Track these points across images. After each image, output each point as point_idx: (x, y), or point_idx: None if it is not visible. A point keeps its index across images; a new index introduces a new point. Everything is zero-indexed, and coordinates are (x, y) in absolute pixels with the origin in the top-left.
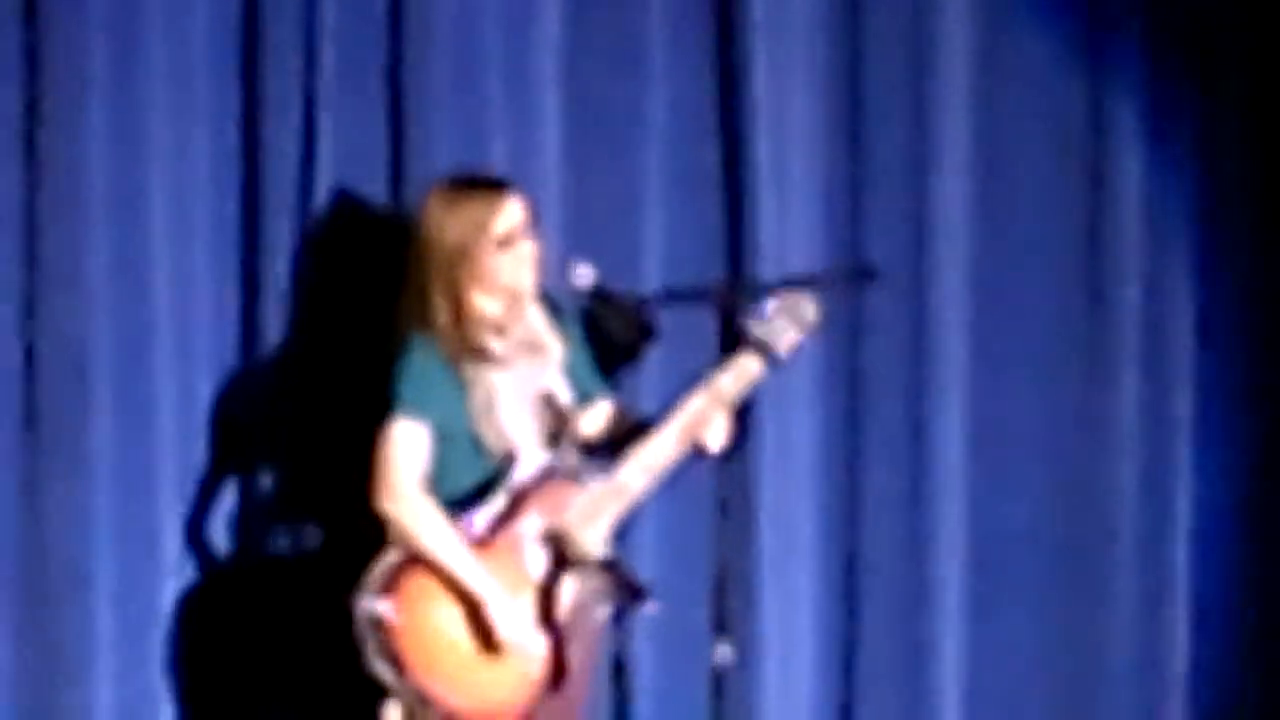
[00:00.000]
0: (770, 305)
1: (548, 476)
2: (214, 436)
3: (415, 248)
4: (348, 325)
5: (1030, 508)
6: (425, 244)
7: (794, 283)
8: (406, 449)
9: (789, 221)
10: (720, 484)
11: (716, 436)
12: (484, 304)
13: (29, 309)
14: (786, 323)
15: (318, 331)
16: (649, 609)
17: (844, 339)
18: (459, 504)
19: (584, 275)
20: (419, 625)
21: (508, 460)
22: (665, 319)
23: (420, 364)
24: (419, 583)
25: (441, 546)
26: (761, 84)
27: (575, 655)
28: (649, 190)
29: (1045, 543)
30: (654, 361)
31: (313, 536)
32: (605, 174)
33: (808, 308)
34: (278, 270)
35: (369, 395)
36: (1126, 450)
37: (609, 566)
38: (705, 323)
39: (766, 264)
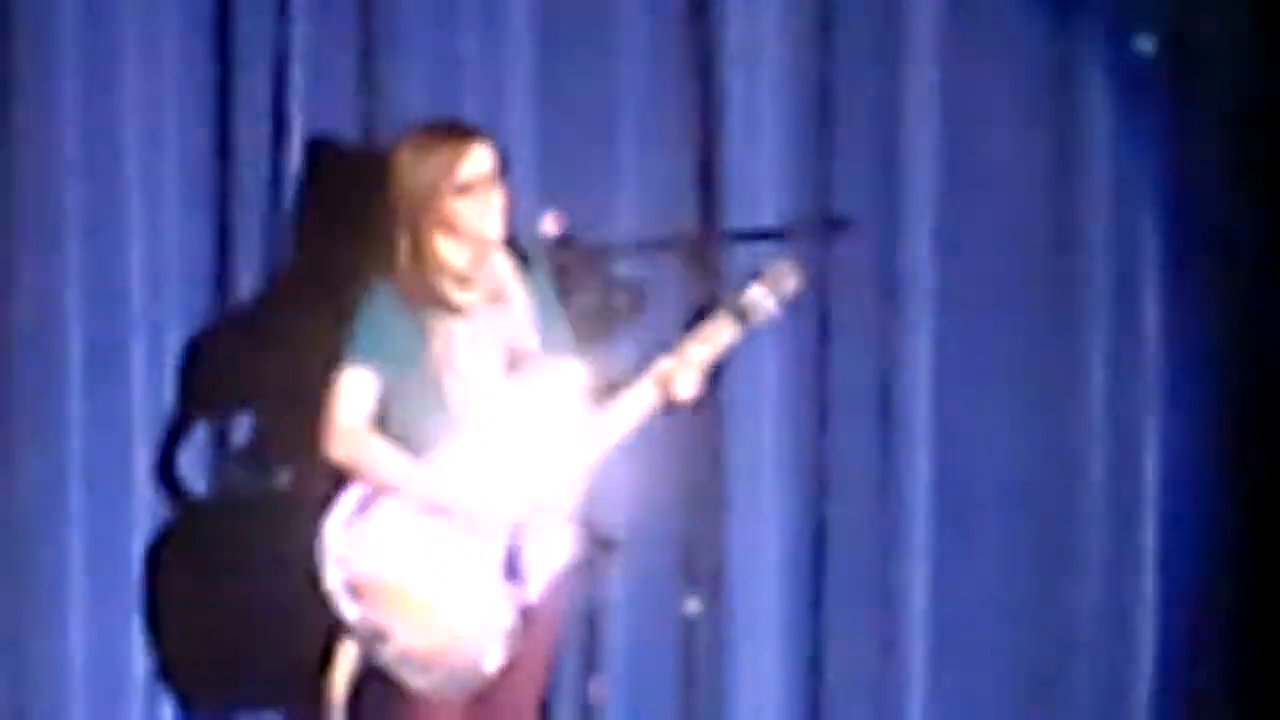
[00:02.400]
0: (756, 274)
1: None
2: (185, 382)
3: (382, 193)
4: (319, 272)
5: (1001, 459)
6: (391, 188)
7: (764, 234)
8: (351, 395)
9: (760, 171)
10: (689, 442)
11: (686, 388)
12: (446, 250)
13: (2, 259)
14: (766, 291)
15: (289, 279)
16: (616, 562)
17: (812, 288)
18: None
19: (550, 225)
20: (377, 562)
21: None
22: (636, 271)
23: (378, 310)
24: (378, 518)
25: (398, 471)
26: (734, 33)
27: (541, 606)
28: (621, 140)
29: (1014, 495)
30: (628, 323)
31: (283, 480)
32: (578, 125)
33: (789, 278)
34: (249, 219)
35: (339, 340)
36: (1096, 408)
37: (578, 521)
38: (676, 280)
39: (738, 215)
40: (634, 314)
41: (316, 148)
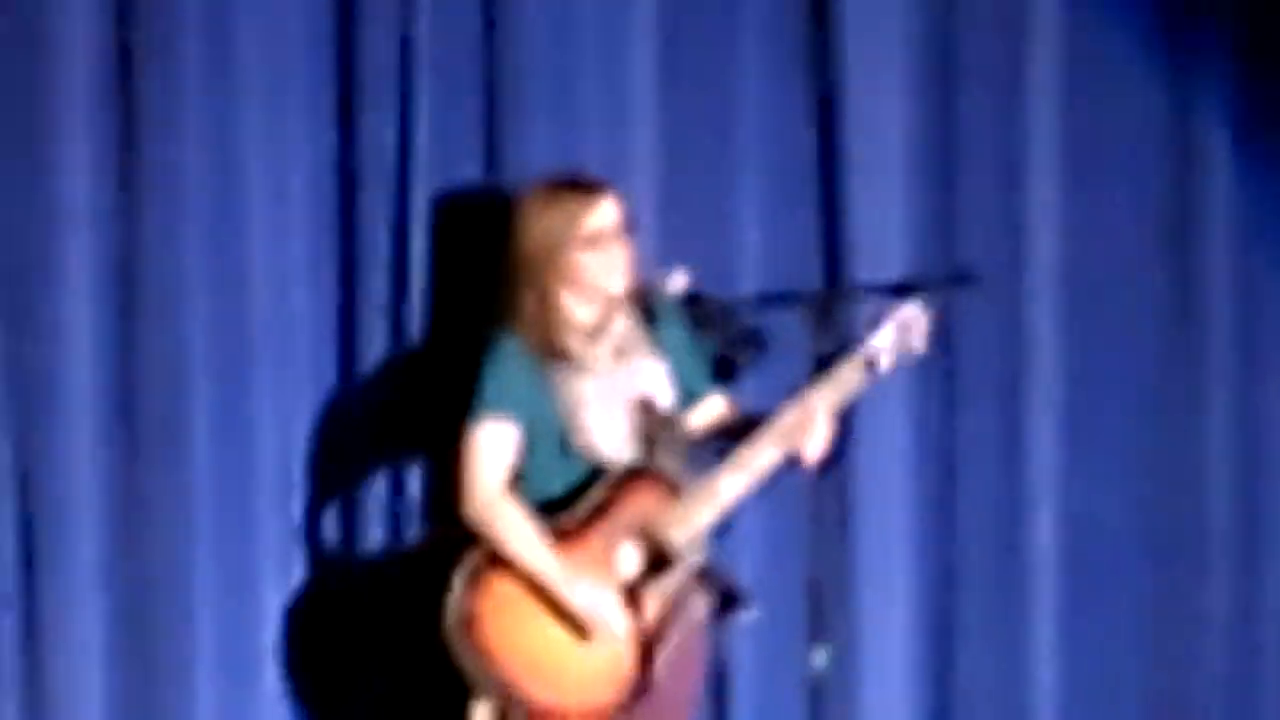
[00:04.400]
0: (883, 319)
1: (642, 479)
2: (315, 447)
3: (508, 246)
4: (447, 333)
5: (1126, 513)
6: (516, 241)
7: (890, 289)
8: (490, 451)
9: (884, 224)
10: (816, 491)
11: (815, 444)
12: (572, 305)
13: (128, 324)
14: (895, 337)
15: (420, 339)
16: (747, 615)
17: (938, 343)
18: (548, 508)
19: (678, 281)
20: (507, 621)
21: (600, 467)
22: (762, 326)
23: (506, 362)
24: (508, 579)
25: (528, 551)
26: (855, 87)
27: (669, 659)
28: (744, 195)
29: (1140, 548)
30: (750, 370)
31: (416, 538)
32: (700, 178)
33: (915, 326)
34: (375, 278)
35: (470, 397)
36: (1220, 454)
37: (704, 572)
38: (798, 333)
39: (862, 268)
40: (757, 361)
41: (441, 204)
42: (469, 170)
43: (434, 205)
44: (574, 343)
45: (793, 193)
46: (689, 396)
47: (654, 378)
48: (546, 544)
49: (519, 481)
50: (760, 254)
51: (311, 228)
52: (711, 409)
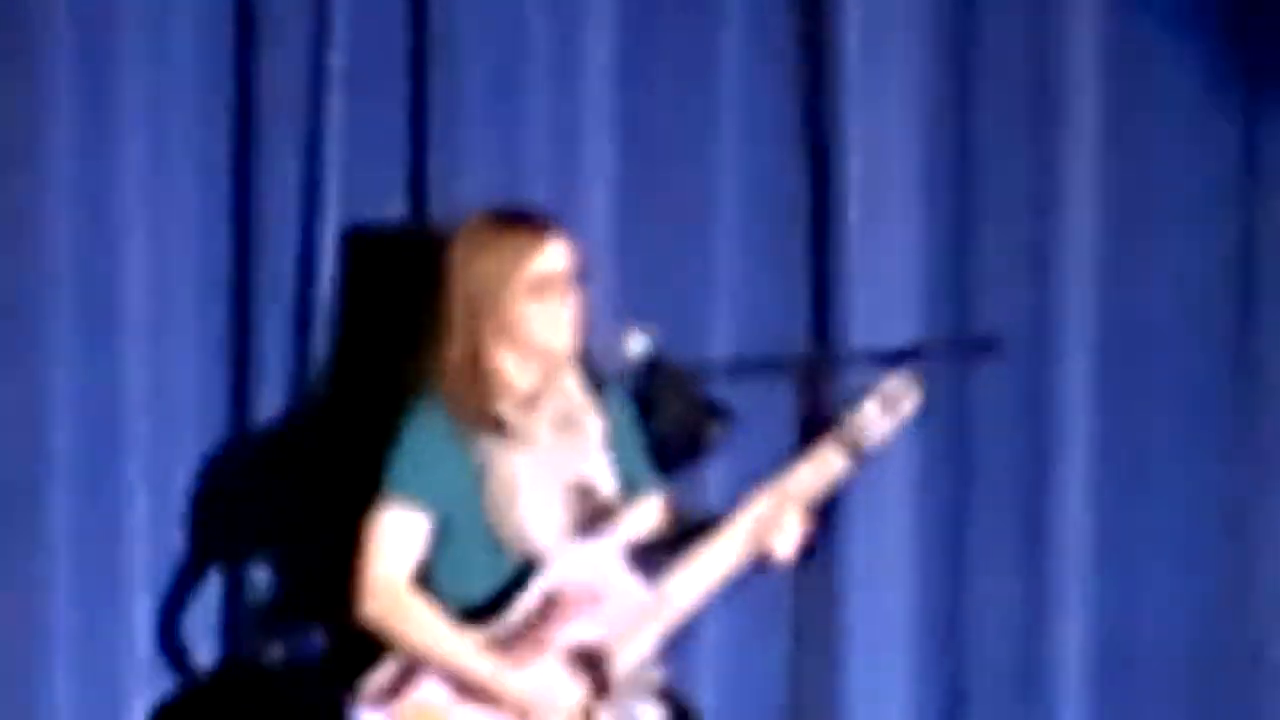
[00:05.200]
0: (865, 394)
1: (581, 584)
2: (194, 523)
3: (435, 292)
4: (356, 396)
5: (1166, 623)
6: (446, 286)
7: (890, 356)
8: (394, 541)
9: (885, 281)
10: (797, 598)
11: (787, 541)
12: (509, 365)
13: None
14: (880, 411)
15: (324, 400)
16: None
17: (949, 420)
18: (471, 615)
19: (638, 342)
20: None
21: (532, 563)
22: (737, 397)
23: (423, 433)
24: (420, 696)
25: (443, 643)
26: (854, 114)
27: None
28: (720, 240)
29: (1183, 665)
30: (722, 449)
31: (311, 642)
32: (667, 219)
33: (906, 395)
34: (273, 325)
35: (377, 473)
36: (1274, 540)
37: (659, 694)
38: (783, 402)
39: (859, 328)
40: (722, 441)
41: (355, 239)
42: (389, 204)
43: (345, 243)
44: (508, 411)
45: (778, 232)
46: (628, 489)
47: (598, 459)
48: (461, 634)
49: (430, 580)
50: (737, 309)
51: (200, 266)
52: (649, 510)
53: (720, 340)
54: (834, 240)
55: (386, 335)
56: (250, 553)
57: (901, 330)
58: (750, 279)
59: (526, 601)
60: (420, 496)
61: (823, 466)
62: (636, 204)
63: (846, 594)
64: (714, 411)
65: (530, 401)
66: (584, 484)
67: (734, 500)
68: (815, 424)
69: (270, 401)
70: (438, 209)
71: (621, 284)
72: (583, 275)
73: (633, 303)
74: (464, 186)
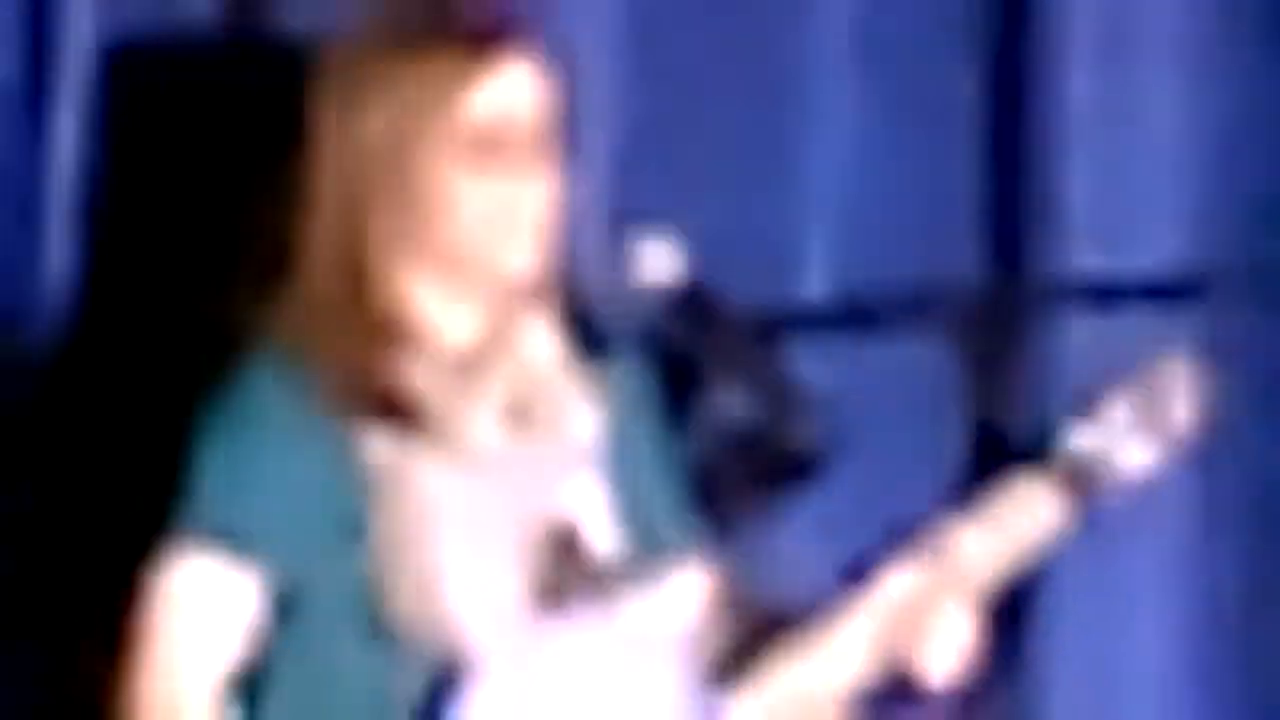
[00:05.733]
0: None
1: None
2: None
3: (287, 157)
4: (119, 346)
5: None
6: (310, 145)
7: (1123, 289)
8: (190, 622)
9: (1120, 165)
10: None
11: (947, 652)
12: (424, 296)
13: None
14: (1133, 419)
15: (56, 359)
16: None
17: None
18: None
19: (658, 262)
20: None
21: (454, 671)
22: (851, 376)
23: (255, 425)
24: None
25: None
26: None
27: None
28: (818, 104)
29: None
30: (823, 476)
31: None
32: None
33: (1181, 397)
34: None
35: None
36: None
37: None
38: (938, 392)
39: (1074, 248)
40: (821, 458)
41: (116, 59)
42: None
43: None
44: (423, 384)
45: (930, 93)
46: (646, 544)
47: (587, 483)
48: None
49: (256, 698)
50: (838, 214)
51: None
52: (686, 587)
53: (816, 277)
54: (1032, 113)
55: (177, 235)
56: None
57: (1146, 258)
58: (873, 173)
59: None
60: (245, 540)
61: (1018, 519)
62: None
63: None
64: (803, 402)
65: (465, 370)
66: (559, 525)
67: (846, 575)
68: (1001, 437)
69: None
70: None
71: (638, 160)
72: (568, 132)
73: (656, 201)
74: None
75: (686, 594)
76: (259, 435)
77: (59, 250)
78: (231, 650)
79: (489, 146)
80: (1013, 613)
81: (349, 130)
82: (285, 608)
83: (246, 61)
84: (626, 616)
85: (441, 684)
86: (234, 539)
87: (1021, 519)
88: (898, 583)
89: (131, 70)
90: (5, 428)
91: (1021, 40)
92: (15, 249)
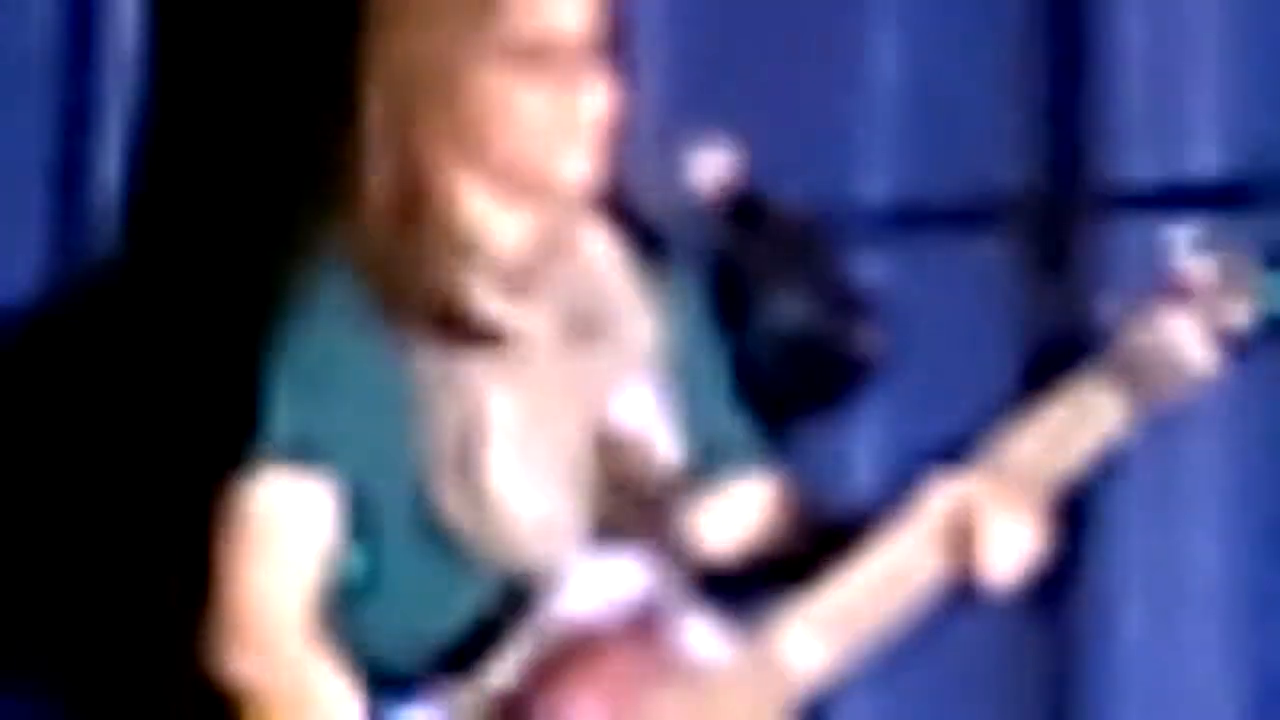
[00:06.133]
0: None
1: (614, 627)
2: None
3: (338, 71)
4: (175, 266)
5: None
6: (360, 58)
7: (1182, 195)
8: (275, 538)
9: (1172, 75)
10: (1024, 662)
11: (1006, 552)
12: (478, 205)
13: None
14: (1190, 321)
15: (128, 259)
16: None
17: None
18: (404, 682)
19: (714, 169)
20: None
21: (522, 586)
22: (912, 285)
23: (319, 339)
24: None
25: None
26: None
27: None
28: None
29: None
30: (882, 383)
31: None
32: None
33: (1242, 292)
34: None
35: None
36: None
37: None
38: (996, 296)
39: (1121, 159)
40: (879, 365)
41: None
42: None
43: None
44: (479, 293)
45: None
46: (706, 454)
47: (645, 392)
48: None
49: (342, 625)
50: (899, 123)
51: None
52: (748, 499)
53: (874, 182)
54: (1088, 23)
55: (230, 154)
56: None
57: (1201, 162)
58: (931, 76)
59: (510, 659)
60: (319, 451)
61: (1076, 420)
62: None
63: (1110, 655)
64: (863, 309)
65: (520, 278)
66: (620, 435)
67: (904, 482)
68: (1060, 339)
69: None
70: None
71: (693, 66)
72: (622, 39)
73: (712, 107)
74: None
75: (747, 505)
76: (324, 349)
77: (114, 158)
78: (316, 562)
79: (539, 56)
80: (1073, 516)
81: (398, 44)
82: (358, 519)
83: None
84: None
85: (507, 598)
86: (308, 452)
87: (1081, 422)
88: (956, 488)
89: None
90: (67, 349)
91: None
92: (71, 154)
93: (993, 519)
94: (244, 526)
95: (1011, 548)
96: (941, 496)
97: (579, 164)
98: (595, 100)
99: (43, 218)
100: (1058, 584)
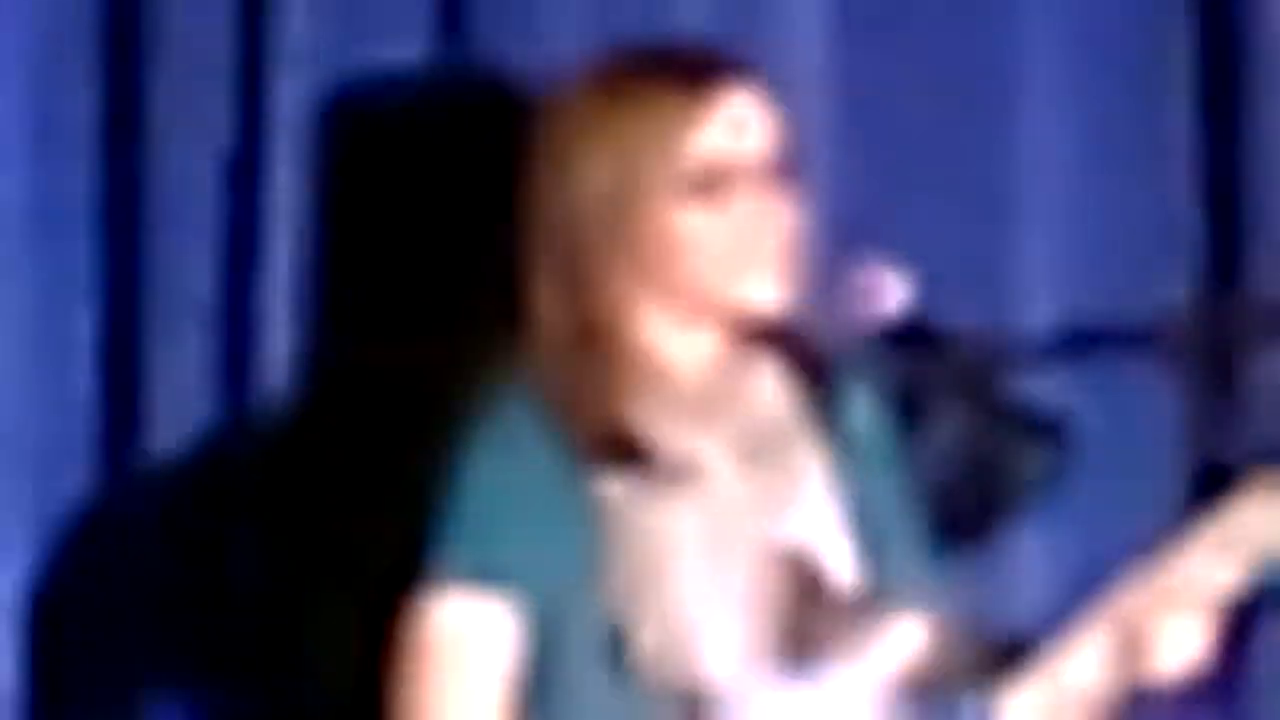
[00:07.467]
0: None
1: None
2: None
3: (510, 204)
4: (363, 391)
5: None
6: (534, 195)
7: None
8: (460, 662)
9: None
10: None
11: (1177, 653)
12: (661, 331)
13: None
14: None
15: (314, 384)
16: None
17: None
18: None
19: (883, 292)
20: None
21: (711, 705)
22: (1079, 404)
23: (504, 465)
24: None
25: None
26: None
27: None
28: (1032, 126)
29: None
30: (1053, 502)
31: None
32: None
33: None
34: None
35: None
36: None
37: None
38: (1166, 415)
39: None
40: (1050, 486)
41: (341, 107)
42: (408, 42)
43: (324, 111)
44: (659, 423)
45: (1142, 116)
46: (884, 575)
47: (820, 514)
48: None
49: None
50: (1058, 242)
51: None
52: (911, 631)
53: (1039, 308)
54: (1243, 137)
55: (415, 286)
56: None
57: None
58: (1088, 201)
59: None
60: (504, 575)
61: (1248, 530)
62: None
63: None
64: (1037, 429)
65: (702, 403)
66: (801, 557)
67: (1071, 601)
68: (1225, 462)
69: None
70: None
71: (857, 193)
72: (793, 163)
73: (877, 233)
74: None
75: (905, 640)
76: (508, 474)
77: (285, 304)
78: (501, 687)
79: (719, 182)
80: (1248, 619)
81: (570, 178)
82: (539, 645)
83: (459, 101)
84: (872, 647)
85: (690, 710)
86: (492, 575)
87: (1251, 531)
88: (1127, 603)
89: (345, 119)
90: (247, 480)
91: (1230, 67)
92: (243, 301)
93: (1162, 621)
94: (427, 651)
95: (1184, 654)
96: (1114, 610)
97: (768, 287)
98: (780, 221)
99: (216, 360)
100: (1225, 685)
